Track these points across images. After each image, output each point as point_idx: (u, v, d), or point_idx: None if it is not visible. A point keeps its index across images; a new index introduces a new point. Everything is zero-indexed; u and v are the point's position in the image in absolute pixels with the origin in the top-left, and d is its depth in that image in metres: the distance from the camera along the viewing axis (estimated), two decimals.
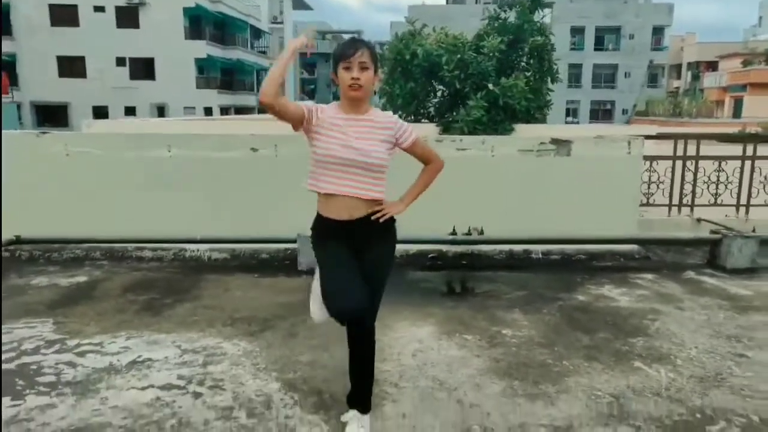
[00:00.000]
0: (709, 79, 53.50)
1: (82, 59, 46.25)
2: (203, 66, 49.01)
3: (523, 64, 20.70)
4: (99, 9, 45.63)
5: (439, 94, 20.93)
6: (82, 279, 5.88)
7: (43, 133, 6.71)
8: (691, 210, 7.66)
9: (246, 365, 3.97)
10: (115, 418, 3.30)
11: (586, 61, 63.02)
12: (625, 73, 62.88)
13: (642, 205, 7.45)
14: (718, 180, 7.63)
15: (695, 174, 7.58)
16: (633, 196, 6.83)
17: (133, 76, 46.80)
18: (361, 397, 3.16)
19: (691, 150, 7.61)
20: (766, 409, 3.49)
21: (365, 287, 2.95)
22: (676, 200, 7.66)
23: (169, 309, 5.05)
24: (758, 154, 7.67)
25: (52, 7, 45.17)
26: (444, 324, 4.71)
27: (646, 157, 7.31)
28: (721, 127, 28.58)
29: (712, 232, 6.65)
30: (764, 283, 5.92)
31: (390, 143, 3.04)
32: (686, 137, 7.67)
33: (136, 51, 46.05)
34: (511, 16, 20.51)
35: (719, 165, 7.61)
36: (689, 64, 67.16)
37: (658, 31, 62.58)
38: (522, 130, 16.40)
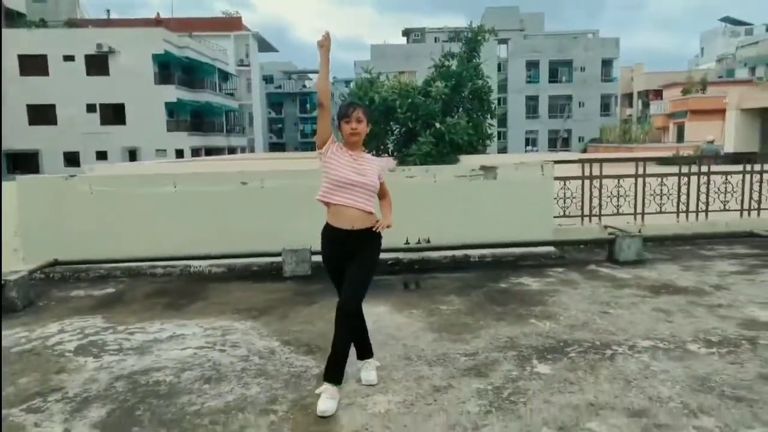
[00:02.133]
0: (654, 107, 56.27)
1: (52, 107, 47.37)
2: (173, 109, 50.48)
3: (465, 104, 23.23)
4: (69, 58, 46.92)
5: (395, 132, 23.36)
6: (110, 290, 7.42)
7: (71, 176, 8.26)
8: (599, 219, 9.41)
9: (253, 334, 5.56)
10: (169, 364, 4.87)
11: (542, 93, 65.88)
12: (579, 103, 65.78)
13: (560, 216, 9.20)
14: (618, 194, 9.43)
15: (600, 190, 9.35)
16: (547, 209, 8.58)
17: (104, 121, 48.02)
18: (364, 349, 4.50)
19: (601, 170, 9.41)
20: (606, 338, 5.23)
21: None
22: (587, 212, 9.41)
23: (186, 306, 6.61)
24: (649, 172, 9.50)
25: (21, 57, 46.29)
26: (396, 305, 6.35)
27: (559, 178, 9.08)
28: (664, 151, 30.70)
29: (609, 234, 8.43)
30: (643, 270, 7.69)
31: (377, 174, 4.21)
32: (591, 161, 9.47)
33: (107, 97, 47.34)
34: (453, 65, 23.10)
35: (618, 182, 9.41)
36: (639, 92, 70.36)
37: (607, 64, 65.88)
38: (465, 160, 18.57)
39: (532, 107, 65.81)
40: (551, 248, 8.61)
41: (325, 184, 4.16)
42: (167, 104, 49.10)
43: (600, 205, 9.47)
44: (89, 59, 47.36)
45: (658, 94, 64.75)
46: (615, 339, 5.20)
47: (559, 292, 6.78)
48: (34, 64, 46.77)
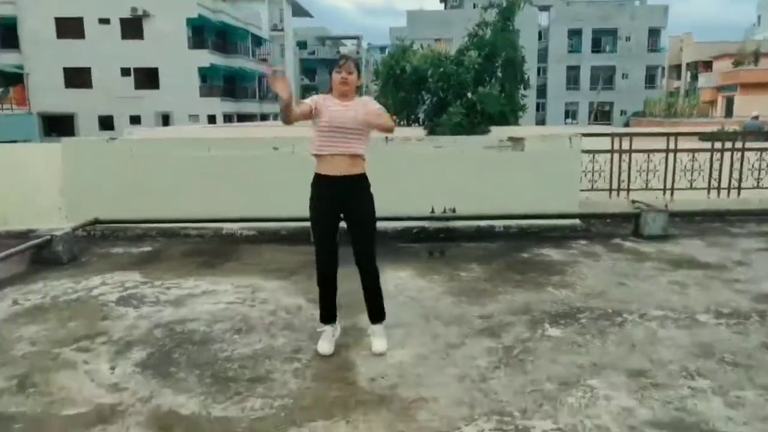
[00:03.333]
0: (703, 80, 55.34)
1: (88, 70, 48.54)
2: (206, 74, 51.21)
3: (498, 74, 23.38)
4: (104, 21, 47.96)
5: (426, 102, 23.76)
6: (147, 249, 7.94)
7: (112, 139, 8.77)
8: (627, 193, 9.66)
9: (281, 292, 6.02)
10: (202, 316, 5.35)
11: (584, 63, 65.11)
12: (623, 75, 64.92)
13: (587, 190, 9.47)
14: (647, 169, 9.66)
15: (629, 164, 9.58)
16: (574, 181, 8.86)
17: (138, 85, 49.05)
18: (376, 312, 4.76)
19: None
20: (618, 306, 5.58)
21: (337, 253, 4.46)
22: (615, 186, 9.65)
23: (220, 265, 7.10)
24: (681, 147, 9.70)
25: (58, 20, 47.50)
26: (419, 270, 6.74)
27: (588, 151, 9.33)
28: (709, 127, 30.41)
29: (635, 208, 8.71)
30: (667, 245, 7.96)
31: (364, 112, 4.30)
32: (621, 135, 9.70)
33: (141, 61, 48.31)
34: (488, 33, 23.28)
35: (648, 157, 9.63)
36: (688, 64, 69.13)
37: (654, 33, 64.73)
38: (496, 131, 18.76)
39: (573, 78, 65.21)
40: (576, 221, 8.89)
41: (313, 136, 4.42)
42: (200, 69, 49.85)
43: (629, 179, 9.70)
44: (124, 22, 48.31)
45: (707, 65, 63.50)
46: (627, 308, 5.53)
47: (579, 263, 7.10)
48: (70, 27, 47.87)
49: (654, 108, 49.72)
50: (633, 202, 9.45)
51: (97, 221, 8.28)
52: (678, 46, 70.66)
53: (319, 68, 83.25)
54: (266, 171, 8.57)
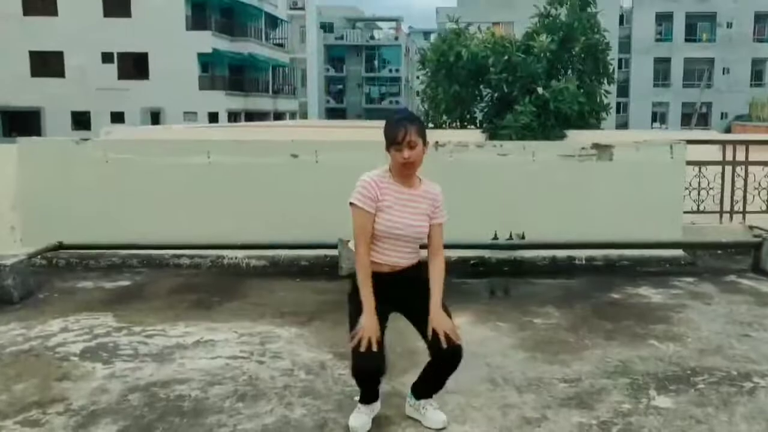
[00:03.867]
0: None
1: (59, 55, 48.17)
2: (208, 62, 51.10)
3: (575, 65, 22.76)
4: None
5: (486, 98, 23.13)
6: (125, 283, 7.67)
7: (84, 140, 8.55)
8: (743, 217, 9.22)
9: (299, 343, 5.69)
10: (195, 375, 5.02)
11: (675, 54, 64.37)
12: (724, 69, 64.01)
13: (692, 212, 9.04)
14: None
15: (745, 179, 9.15)
16: (676, 201, 8.44)
17: (123, 75, 48.86)
18: (433, 390, 4.33)
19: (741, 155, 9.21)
20: (745, 367, 5.16)
21: (386, 348, 4.02)
22: (727, 207, 9.21)
23: (218, 305, 6.80)
24: None
25: None
26: (479, 315, 6.37)
27: (692, 162, 8.92)
28: None
29: (755, 236, 8.25)
30: None
31: (431, 210, 4.13)
32: (735, 143, 9.28)
33: (127, 45, 47.86)
34: (562, 14, 22.62)
35: None
36: None
37: (761, 19, 63.70)
38: (574, 136, 18.22)
39: (662, 72, 64.51)
40: (680, 252, 8.48)
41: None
42: (200, 56, 49.69)
43: (744, 198, 9.29)
44: None
45: None
46: (756, 369, 5.15)
47: (687, 307, 6.71)
48: (39, 2, 47.72)
49: (762, 111, 48.71)
50: (751, 228, 9.02)
51: (61, 246, 8.01)
52: None
53: (348, 56, 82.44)
54: (281, 184, 8.29)
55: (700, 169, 9.21)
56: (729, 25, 63.57)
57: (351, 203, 4.04)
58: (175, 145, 8.80)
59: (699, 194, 9.24)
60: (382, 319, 4.12)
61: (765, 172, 9.26)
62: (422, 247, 4.26)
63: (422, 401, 4.30)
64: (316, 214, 8.11)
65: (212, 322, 6.22)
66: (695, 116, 59.03)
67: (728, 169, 9.22)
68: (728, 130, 48.12)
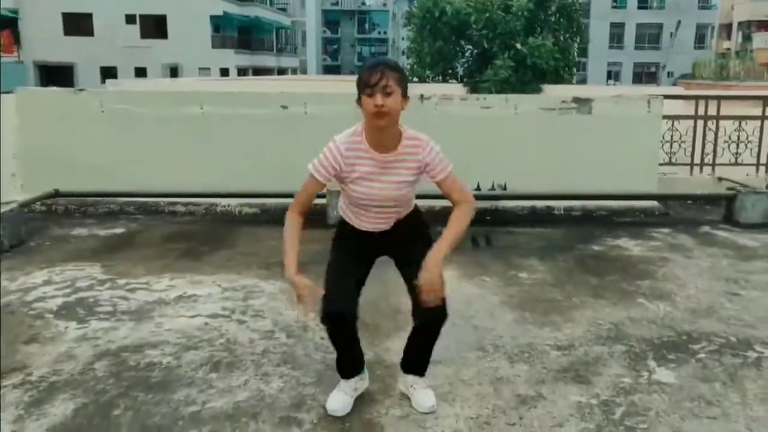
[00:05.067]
0: (759, 40, 53.01)
1: (89, 16, 46.56)
2: (219, 24, 49.50)
3: (551, 23, 21.41)
4: None
5: (467, 54, 21.86)
6: (120, 230, 6.66)
7: (80, 89, 7.46)
8: (713, 169, 8.25)
9: (283, 299, 4.71)
10: (170, 338, 4.05)
11: (629, 20, 62.80)
12: (671, 33, 62.51)
13: (664, 164, 8.05)
14: (738, 140, 8.21)
15: (716, 134, 8.17)
16: (652, 154, 7.47)
17: (144, 34, 47.24)
18: (421, 364, 3.32)
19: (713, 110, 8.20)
20: (744, 332, 4.23)
21: (356, 293, 3.19)
22: (697, 160, 8.24)
23: (207, 255, 5.81)
24: None
25: None
26: (465, 268, 5.39)
27: (667, 117, 7.92)
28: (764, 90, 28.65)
29: (728, 189, 7.29)
30: None
31: (418, 173, 3.10)
32: (707, 98, 8.26)
33: (148, 7, 46.34)
34: None
35: (739, 125, 8.19)
36: (740, 23, 66.53)
37: None
38: (550, 90, 17.04)
39: (616, 36, 62.90)
40: (654, 203, 7.51)
41: (343, 198, 3.27)
42: (213, 18, 48.14)
43: (714, 152, 8.29)
44: None
45: (762, 25, 61.04)
46: (756, 334, 4.20)
47: (668, 261, 5.75)
48: None
49: (704, 70, 47.53)
50: (720, 179, 8.07)
51: (57, 194, 6.99)
52: (729, 4, 67.93)
53: (342, 20, 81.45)
54: (272, 134, 7.25)
55: (673, 123, 8.21)
56: None
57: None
58: (169, 96, 7.71)
59: (671, 147, 8.24)
60: (365, 264, 3.29)
61: (734, 126, 8.26)
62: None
63: (410, 377, 3.34)
64: (305, 162, 7.11)
65: (198, 275, 5.25)
66: (661, 71, 57.44)
67: (700, 123, 8.19)
68: (674, 87, 47.07)
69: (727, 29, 69.04)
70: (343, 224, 3.31)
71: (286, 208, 7.10)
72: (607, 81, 61.32)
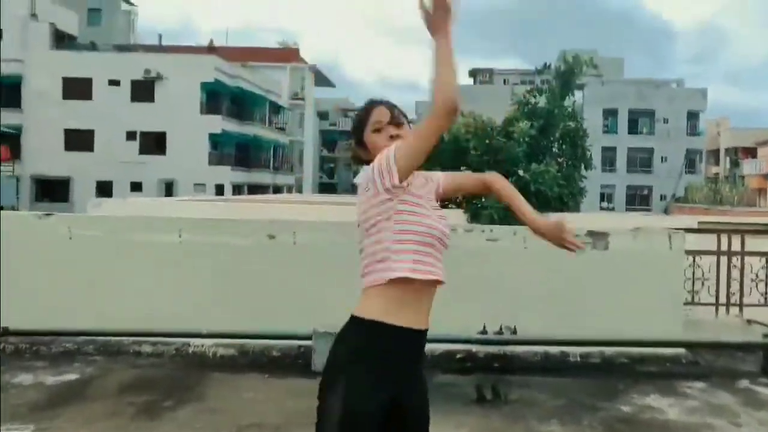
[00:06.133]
0: (748, 166, 53.87)
1: (90, 132, 47.19)
2: (217, 141, 49.96)
3: (554, 150, 21.12)
4: (114, 83, 47.14)
5: None
6: (72, 377, 5.71)
7: (47, 215, 6.72)
8: (740, 310, 7.50)
9: None
10: None
11: (620, 144, 63.94)
12: (662, 158, 63.55)
13: (686, 303, 7.30)
14: (766, 278, 7.49)
15: (742, 270, 7.46)
16: (677, 294, 6.70)
17: (143, 150, 47.63)
18: None
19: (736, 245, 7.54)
20: None
21: None
22: (723, 299, 7.49)
23: (169, 412, 4.90)
24: None
25: (66, 80, 46.62)
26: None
27: (687, 252, 7.20)
28: (765, 217, 28.40)
29: (765, 335, 6.46)
30: None
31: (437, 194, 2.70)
32: (730, 231, 7.60)
33: (149, 125, 47.08)
34: (541, 101, 21.03)
35: (767, 261, 7.48)
36: (727, 149, 67.77)
37: (693, 116, 63.71)
38: (554, 219, 16.45)
39: (608, 159, 63.67)
40: (681, 350, 6.67)
41: (388, 244, 2.35)
42: (211, 135, 48.69)
43: (741, 290, 7.54)
44: (135, 84, 47.52)
45: (748, 152, 62.25)
46: None
47: (713, 428, 4.85)
48: (78, 88, 47.00)
49: (696, 194, 47.85)
50: (749, 322, 7.28)
51: (6, 332, 6.10)
52: (714, 131, 69.46)
53: (339, 140, 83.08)
54: (256, 267, 6.49)
55: (694, 258, 7.49)
56: (665, 121, 63.24)
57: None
58: (146, 222, 6.97)
59: (693, 285, 7.49)
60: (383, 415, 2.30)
61: (762, 264, 7.54)
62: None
63: None
64: (291, 299, 6.33)
65: None
66: (672, 198, 57.38)
67: (724, 259, 7.50)
68: (666, 211, 47.08)
69: (714, 155, 70.38)
70: (367, 338, 2.32)
71: (267, 350, 6.34)
72: (600, 204, 61.57)
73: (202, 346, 6.44)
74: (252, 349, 6.40)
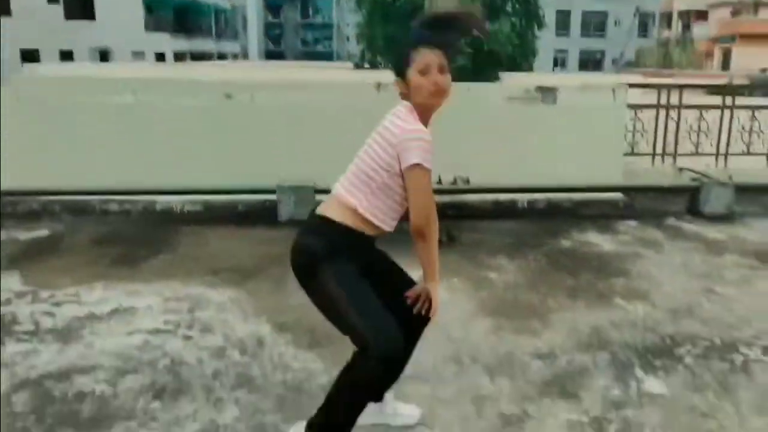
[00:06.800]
0: (698, 30, 54.41)
1: None
2: (152, 5, 47.77)
3: (508, 8, 21.15)
4: None
5: None
6: (43, 233, 6.09)
7: None
8: (674, 159, 8.16)
9: (234, 310, 4.31)
10: (104, 360, 3.60)
11: (575, 7, 63.49)
12: (615, 21, 63.48)
13: (626, 154, 7.91)
14: (699, 129, 8.13)
15: (678, 123, 8.07)
16: (618, 145, 7.29)
17: (69, 15, 44.81)
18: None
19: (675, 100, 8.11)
20: (727, 333, 4.10)
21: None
22: (659, 150, 8.13)
23: (145, 260, 5.32)
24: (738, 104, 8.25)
25: None
26: None
27: (630, 106, 7.77)
28: (710, 79, 29.26)
29: (692, 180, 7.18)
30: (738, 228, 6.53)
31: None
32: (669, 86, 8.18)
33: None
34: None
35: (701, 114, 8.10)
36: (680, 12, 67.89)
37: None
38: (508, 78, 16.80)
39: (562, 23, 63.45)
40: (618, 195, 7.33)
41: (375, 193, 2.71)
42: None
43: (676, 142, 8.19)
44: None
45: (701, 15, 62.56)
46: (739, 336, 4.07)
47: (640, 257, 5.59)
48: None
49: (647, 58, 48.52)
50: (680, 170, 7.95)
51: None
52: None
53: (284, 5, 79.74)
54: (216, 126, 6.81)
55: (635, 112, 8.08)
56: None
57: (418, 164, 2.64)
58: (98, 83, 7.19)
59: (634, 137, 8.11)
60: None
61: (696, 116, 8.17)
62: None
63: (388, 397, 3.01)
64: (253, 156, 6.70)
65: (135, 283, 4.77)
66: (621, 59, 57.83)
67: (662, 113, 8.10)
68: (618, 74, 47.84)
69: (667, 18, 70.50)
70: (353, 234, 2.73)
71: (232, 205, 6.79)
72: (553, 68, 61.91)
73: (169, 203, 6.84)
74: (218, 204, 6.83)
